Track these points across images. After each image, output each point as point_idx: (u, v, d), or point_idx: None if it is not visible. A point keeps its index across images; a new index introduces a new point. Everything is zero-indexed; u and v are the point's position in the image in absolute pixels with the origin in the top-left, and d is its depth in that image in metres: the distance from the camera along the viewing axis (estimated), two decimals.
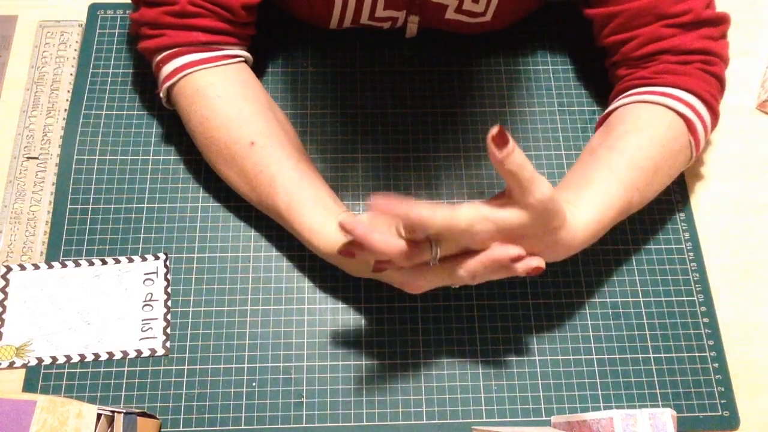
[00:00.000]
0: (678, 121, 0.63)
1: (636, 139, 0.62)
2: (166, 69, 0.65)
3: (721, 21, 0.65)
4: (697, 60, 0.64)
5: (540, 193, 0.50)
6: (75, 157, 0.71)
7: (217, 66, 0.64)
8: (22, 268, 0.66)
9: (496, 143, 0.47)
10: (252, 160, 0.62)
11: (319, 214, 0.60)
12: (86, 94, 0.74)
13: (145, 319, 0.65)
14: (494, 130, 0.47)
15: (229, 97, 0.63)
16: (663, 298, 0.67)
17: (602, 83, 0.72)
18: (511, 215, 0.51)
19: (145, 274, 0.67)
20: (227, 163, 0.64)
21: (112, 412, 0.54)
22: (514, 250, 0.52)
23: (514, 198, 0.51)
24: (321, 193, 0.62)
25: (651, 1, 0.63)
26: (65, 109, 0.73)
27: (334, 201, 0.62)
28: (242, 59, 0.67)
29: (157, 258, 0.67)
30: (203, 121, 0.63)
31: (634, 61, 0.66)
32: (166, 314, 0.65)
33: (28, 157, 0.71)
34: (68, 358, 0.63)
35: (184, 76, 0.64)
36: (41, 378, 0.63)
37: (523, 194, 0.50)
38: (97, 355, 0.64)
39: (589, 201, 0.58)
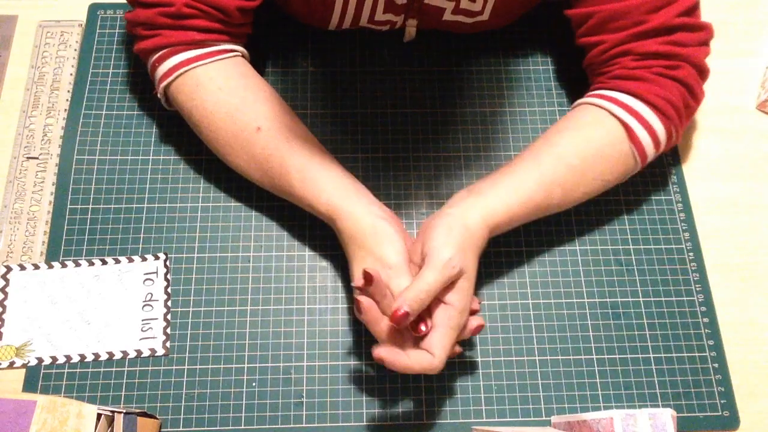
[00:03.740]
0: (617, 127, 0.63)
1: (571, 136, 0.63)
2: (163, 68, 0.65)
3: (698, 28, 0.63)
4: (658, 65, 0.63)
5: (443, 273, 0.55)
6: (75, 157, 0.71)
7: (215, 61, 0.64)
8: (22, 268, 0.66)
9: (397, 320, 0.53)
10: (260, 144, 0.62)
11: (335, 189, 0.60)
12: (86, 94, 0.74)
13: (145, 319, 0.65)
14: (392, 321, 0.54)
15: (230, 88, 0.64)
16: (663, 298, 0.67)
17: None
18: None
19: (145, 274, 0.67)
20: (235, 152, 0.64)
21: (112, 412, 0.54)
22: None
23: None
24: (333, 169, 0.62)
25: (626, 5, 0.62)
26: (65, 109, 0.73)
27: (345, 175, 0.62)
28: (239, 53, 0.67)
29: (157, 258, 0.67)
30: (207, 114, 0.64)
31: (598, 65, 0.66)
32: (166, 314, 0.65)
33: (28, 157, 0.71)
34: (68, 358, 0.63)
35: (183, 73, 0.64)
36: (41, 378, 0.63)
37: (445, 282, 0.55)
38: (97, 355, 0.64)
39: (500, 192, 0.60)
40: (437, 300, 0.56)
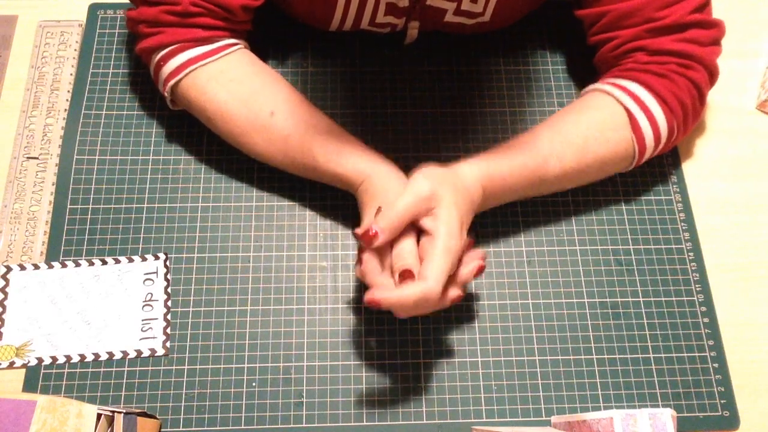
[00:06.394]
0: (621, 114, 0.63)
1: (573, 117, 0.64)
2: (169, 66, 0.65)
3: (710, 25, 0.64)
4: (672, 62, 0.63)
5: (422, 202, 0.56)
6: (75, 157, 0.71)
7: (222, 57, 0.65)
8: (22, 268, 0.66)
9: (366, 241, 0.56)
10: (277, 127, 0.64)
11: (360, 155, 0.63)
12: (86, 94, 0.74)
13: (145, 319, 0.65)
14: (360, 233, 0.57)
15: (241, 78, 0.65)
16: (663, 298, 0.67)
17: None
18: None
19: (145, 274, 0.67)
20: (253, 138, 0.65)
21: (112, 412, 0.54)
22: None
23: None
24: (351, 139, 0.65)
25: (638, 3, 0.63)
26: (65, 109, 0.73)
27: (363, 145, 0.65)
28: (241, 46, 0.68)
29: (157, 258, 0.67)
30: (221, 105, 0.65)
31: (611, 60, 0.67)
32: (166, 314, 0.65)
33: (28, 157, 0.71)
34: (68, 358, 0.63)
35: (193, 70, 0.64)
36: (41, 378, 0.63)
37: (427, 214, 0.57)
38: (97, 355, 0.64)
39: (494, 155, 0.61)
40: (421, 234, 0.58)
